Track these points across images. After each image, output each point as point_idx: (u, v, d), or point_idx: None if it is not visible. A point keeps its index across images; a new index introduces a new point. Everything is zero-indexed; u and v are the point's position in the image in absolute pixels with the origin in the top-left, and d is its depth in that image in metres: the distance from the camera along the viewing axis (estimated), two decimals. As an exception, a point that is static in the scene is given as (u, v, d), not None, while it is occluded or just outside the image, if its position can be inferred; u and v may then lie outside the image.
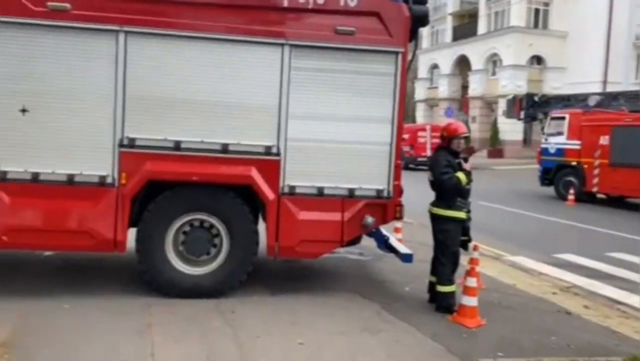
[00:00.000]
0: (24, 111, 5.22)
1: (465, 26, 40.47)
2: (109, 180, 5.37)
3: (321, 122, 5.60)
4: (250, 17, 5.52)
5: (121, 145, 5.36)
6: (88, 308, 5.17)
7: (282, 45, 5.50)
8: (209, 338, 4.64)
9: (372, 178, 5.73)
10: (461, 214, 5.60)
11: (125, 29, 5.27)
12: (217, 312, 5.22)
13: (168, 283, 5.54)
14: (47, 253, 6.78)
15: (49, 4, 5.16)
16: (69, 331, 4.65)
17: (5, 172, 5.21)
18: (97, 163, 5.35)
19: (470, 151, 6.05)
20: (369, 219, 5.73)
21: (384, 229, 6.52)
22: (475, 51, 37.92)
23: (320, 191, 5.64)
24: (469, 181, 5.61)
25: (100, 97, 5.30)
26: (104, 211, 5.37)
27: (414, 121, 41.94)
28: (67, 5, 5.19)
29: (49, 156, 5.27)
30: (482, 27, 37.98)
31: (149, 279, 5.57)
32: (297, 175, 5.61)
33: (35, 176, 5.25)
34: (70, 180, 5.31)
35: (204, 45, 5.43)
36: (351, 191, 5.69)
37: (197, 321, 4.99)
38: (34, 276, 6.12)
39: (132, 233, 5.58)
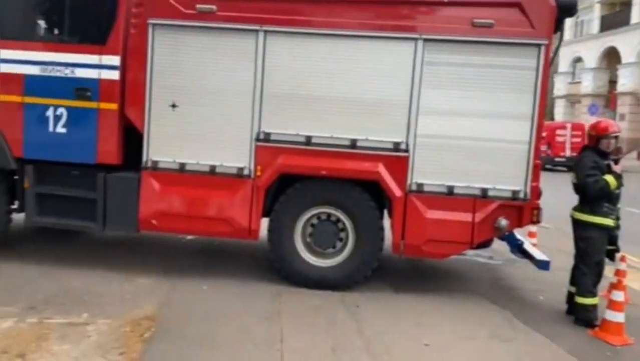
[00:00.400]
0: (173, 106, 5.69)
1: (616, 15, 36.74)
2: (246, 172, 5.67)
3: (454, 118, 5.42)
4: (383, 13, 5.50)
5: (257, 139, 5.63)
6: (224, 291, 5.53)
7: (415, 39, 5.40)
8: (334, 329, 4.72)
9: (507, 178, 5.43)
10: (608, 221, 5.10)
11: (265, 28, 5.52)
12: (342, 305, 5.30)
13: (296, 273, 5.73)
14: (189, 237, 7.36)
15: (198, 6, 5.55)
16: (207, 311, 5.00)
17: (156, 162, 5.73)
18: (236, 156, 5.66)
19: (618, 152, 5.49)
20: (503, 222, 5.44)
21: (518, 233, 6.18)
22: (627, 42, 34.26)
23: (450, 190, 5.47)
24: (619, 185, 5.10)
25: (241, 93, 5.60)
26: (241, 201, 5.68)
27: (552, 118, 39.13)
28: (214, 7, 5.55)
29: (194, 148, 5.69)
30: (636, 16, 34.18)
31: (279, 267, 5.81)
32: (426, 172, 5.49)
33: (182, 166, 5.71)
34: (212, 171, 5.68)
35: (336, 42, 5.51)
36: (484, 191, 5.44)
37: (323, 312, 5.11)
38: (177, 257, 6.68)
39: (265, 223, 5.84)
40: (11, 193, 6.11)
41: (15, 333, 4.26)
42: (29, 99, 5.79)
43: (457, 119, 5.42)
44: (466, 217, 5.47)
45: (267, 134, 5.62)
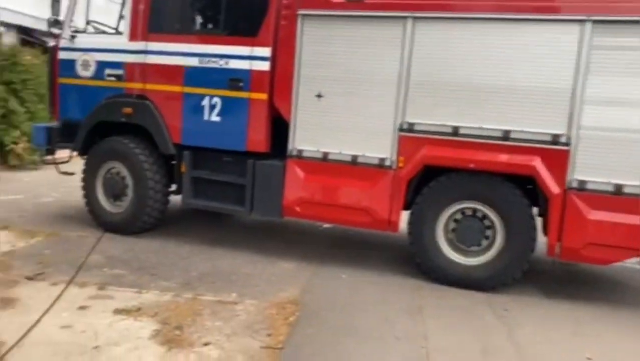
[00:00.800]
0: (319, 96, 5.74)
1: None
2: (388, 163, 5.56)
3: (627, 109, 4.82)
4: (543, -7, 5.06)
5: (401, 129, 5.49)
6: (362, 281, 5.51)
7: (582, 21, 4.89)
8: (482, 332, 4.46)
9: (691, 178, 4.74)
10: None
11: (414, 14, 5.34)
12: (488, 307, 5.01)
13: (437, 269, 5.53)
14: (325, 225, 7.46)
15: (347, -5, 5.54)
16: (347, 299, 5.00)
17: (301, 151, 5.84)
18: (378, 146, 5.57)
19: None
20: (683, 228, 4.77)
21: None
22: None
23: (618, 189, 4.89)
24: None
25: (386, 83, 5.48)
26: (381, 192, 5.59)
27: None
28: (362, -5, 5.50)
29: (337, 137, 5.70)
30: None
31: (418, 262, 5.65)
32: (590, 168, 4.97)
33: (325, 156, 5.76)
34: (354, 161, 5.66)
35: (489, 26, 5.17)
36: (661, 191, 4.81)
37: (468, 312, 4.87)
38: (316, 245, 6.78)
39: (405, 215, 5.70)
40: (169, 177, 6.62)
41: (174, 306, 4.58)
42: (188, 89, 6.20)
43: (631, 110, 4.81)
44: (636, 220, 4.87)
45: (411, 124, 5.46)
